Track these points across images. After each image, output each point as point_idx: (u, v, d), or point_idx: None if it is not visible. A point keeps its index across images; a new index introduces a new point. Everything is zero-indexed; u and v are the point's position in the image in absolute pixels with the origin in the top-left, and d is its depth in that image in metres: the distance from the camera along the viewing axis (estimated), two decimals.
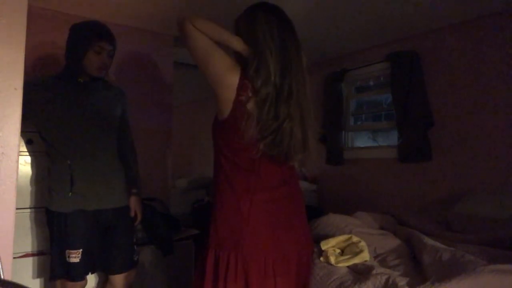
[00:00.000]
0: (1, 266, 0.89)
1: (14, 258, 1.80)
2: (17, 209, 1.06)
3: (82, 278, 1.71)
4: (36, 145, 1.92)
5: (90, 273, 1.79)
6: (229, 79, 1.21)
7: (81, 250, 1.66)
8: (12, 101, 1.00)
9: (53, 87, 1.68)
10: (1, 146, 0.98)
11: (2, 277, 0.88)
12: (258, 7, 1.29)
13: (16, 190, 1.02)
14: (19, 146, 1.02)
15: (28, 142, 1.90)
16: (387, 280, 1.25)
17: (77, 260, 1.65)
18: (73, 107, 1.69)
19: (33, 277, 1.92)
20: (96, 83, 1.77)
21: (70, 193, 1.66)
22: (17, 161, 1.01)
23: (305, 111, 1.23)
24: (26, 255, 1.89)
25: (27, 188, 1.92)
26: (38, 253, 1.93)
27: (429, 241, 1.55)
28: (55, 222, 1.67)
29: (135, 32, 2.33)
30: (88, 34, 1.66)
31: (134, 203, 1.88)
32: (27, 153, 1.92)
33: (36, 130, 1.74)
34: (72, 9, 2.40)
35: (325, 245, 1.61)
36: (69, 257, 1.65)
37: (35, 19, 2.28)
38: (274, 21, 1.24)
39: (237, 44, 1.25)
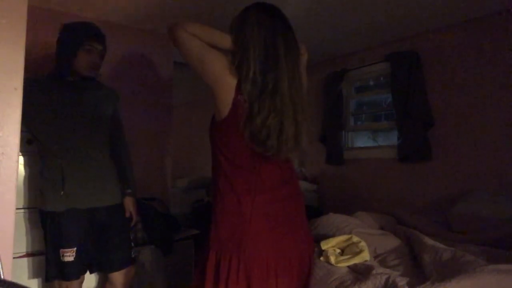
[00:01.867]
0: (1, 266, 0.89)
1: (19, 257, 1.81)
2: (17, 209, 1.06)
3: (78, 277, 1.70)
4: (36, 145, 1.92)
5: (88, 273, 1.79)
6: (227, 78, 1.21)
7: (75, 248, 1.66)
8: (12, 101, 1.00)
9: (45, 87, 1.69)
10: (1, 146, 0.98)
11: (2, 277, 0.88)
12: (252, 6, 1.29)
13: (16, 190, 1.02)
14: (19, 146, 1.02)
15: (28, 142, 1.90)
16: (387, 280, 1.25)
17: (71, 259, 1.65)
18: (63, 106, 1.69)
19: (29, 278, 1.91)
20: (86, 83, 1.77)
21: (62, 192, 1.65)
22: (17, 161, 1.01)
23: (298, 108, 1.22)
24: (27, 255, 1.89)
25: (27, 188, 1.92)
26: (37, 253, 1.92)
27: (429, 241, 1.55)
28: (48, 222, 1.67)
29: (134, 32, 2.34)
30: (79, 34, 1.67)
31: (128, 204, 1.88)
32: (27, 153, 1.92)
33: (28, 130, 1.73)
34: (71, 9, 2.40)
35: (325, 245, 1.61)
36: (63, 256, 1.64)
37: (34, 19, 2.27)
38: (265, 19, 1.24)
39: (225, 42, 1.26)
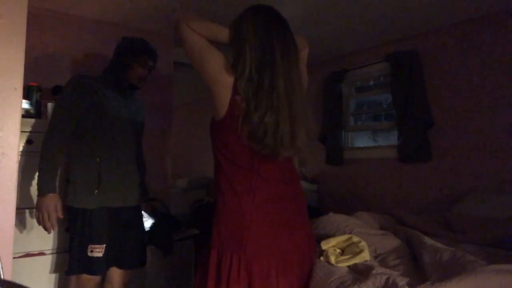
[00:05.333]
0: (1, 266, 0.89)
1: (19, 257, 1.81)
2: (18, 209, 1.06)
3: (104, 272, 1.77)
4: (36, 145, 1.91)
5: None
6: (225, 77, 1.22)
7: (104, 245, 1.72)
8: (12, 101, 1.00)
9: (99, 85, 1.79)
10: (1, 146, 0.98)
11: (2, 277, 0.88)
12: (250, 8, 1.31)
13: (16, 190, 1.03)
14: (19, 146, 1.02)
15: (28, 142, 1.90)
16: (387, 280, 1.25)
17: (100, 254, 1.70)
18: (113, 108, 1.80)
19: (36, 276, 1.92)
20: (132, 92, 1.94)
21: (96, 191, 1.73)
22: (17, 161, 1.01)
23: (294, 107, 1.23)
24: (27, 255, 1.89)
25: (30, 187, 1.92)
26: (39, 253, 1.93)
27: (429, 241, 1.55)
28: (78, 219, 1.71)
29: (134, 32, 2.34)
30: (137, 48, 1.86)
31: (144, 209, 2.04)
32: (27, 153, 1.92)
33: (74, 125, 1.76)
34: (71, 9, 2.40)
35: (325, 245, 1.61)
36: (92, 251, 1.69)
37: (34, 19, 2.28)
38: (261, 19, 1.25)
39: (224, 36, 1.28)
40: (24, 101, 1.89)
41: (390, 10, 2.33)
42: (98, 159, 1.74)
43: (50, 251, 1.94)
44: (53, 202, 1.61)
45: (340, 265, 1.45)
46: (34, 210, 1.65)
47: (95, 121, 1.76)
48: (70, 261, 1.72)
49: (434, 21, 2.51)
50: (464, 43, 2.48)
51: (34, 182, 1.91)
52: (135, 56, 1.83)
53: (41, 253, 1.93)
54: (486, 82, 2.37)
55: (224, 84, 1.22)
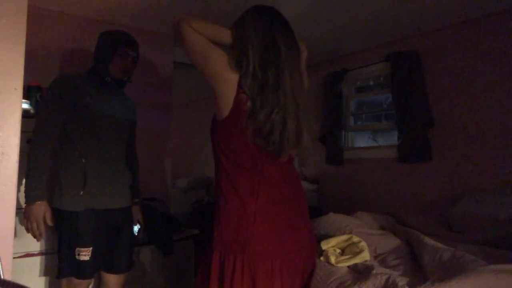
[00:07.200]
0: (1, 266, 0.89)
1: (19, 257, 1.81)
2: (18, 209, 1.05)
3: (92, 276, 1.73)
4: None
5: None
6: (228, 75, 1.21)
7: (91, 248, 1.68)
8: (12, 101, 1.00)
9: (82, 85, 1.75)
10: (1, 146, 0.98)
11: (2, 277, 0.88)
12: (251, 9, 1.32)
13: (16, 190, 1.02)
14: (19, 146, 1.02)
15: (28, 142, 1.90)
16: (387, 280, 1.25)
17: (87, 258, 1.67)
18: (99, 106, 1.75)
19: (36, 276, 1.92)
20: (119, 89, 1.87)
21: (82, 192, 1.68)
22: (17, 161, 1.01)
23: (299, 104, 1.23)
24: (27, 255, 1.89)
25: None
26: (38, 253, 1.93)
27: (429, 241, 1.55)
28: (64, 221, 1.68)
29: (134, 32, 2.34)
30: (115, 40, 1.80)
31: (136, 212, 1.96)
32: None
33: (62, 127, 1.73)
34: (71, 9, 2.40)
35: (325, 245, 1.61)
36: (79, 255, 1.66)
37: (35, 19, 2.28)
38: (263, 19, 1.26)
39: (227, 37, 1.29)
40: (24, 101, 1.88)
41: (390, 10, 2.33)
42: (83, 160, 1.69)
43: (49, 252, 1.94)
44: (41, 210, 1.57)
45: (340, 265, 1.45)
46: (23, 217, 1.61)
47: (80, 121, 1.71)
48: (59, 264, 1.69)
49: (434, 21, 2.51)
50: (464, 43, 2.47)
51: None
52: (114, 49, 1.77)
53: (41, 253, 1.93)
54: (486, 82, 2.36)
55: (228, 82, 1.21)
